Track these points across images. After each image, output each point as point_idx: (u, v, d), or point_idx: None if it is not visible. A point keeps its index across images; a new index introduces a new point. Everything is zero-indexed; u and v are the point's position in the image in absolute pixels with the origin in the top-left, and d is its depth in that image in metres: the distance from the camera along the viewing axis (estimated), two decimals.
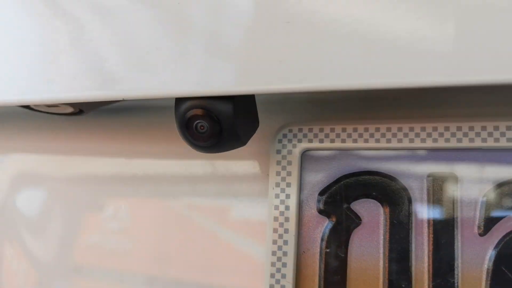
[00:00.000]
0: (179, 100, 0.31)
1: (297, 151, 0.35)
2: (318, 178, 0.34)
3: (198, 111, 0.30)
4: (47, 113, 0.42)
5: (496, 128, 0.31)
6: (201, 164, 0.41)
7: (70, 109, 0.41)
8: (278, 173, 0.35)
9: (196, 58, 0.29)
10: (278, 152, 0.35)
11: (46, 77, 0.33)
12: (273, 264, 0.34)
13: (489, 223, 0.31)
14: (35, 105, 0.40)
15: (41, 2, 0.34)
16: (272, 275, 0.33)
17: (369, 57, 0.26)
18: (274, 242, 0.34)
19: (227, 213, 0.39)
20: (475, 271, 0.30)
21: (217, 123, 0.30)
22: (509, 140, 0.30)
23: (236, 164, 0.40)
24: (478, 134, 0.31)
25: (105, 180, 0.43)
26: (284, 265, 0.33)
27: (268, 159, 0.38)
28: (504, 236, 0.30)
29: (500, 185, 0.31)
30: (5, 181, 0.48)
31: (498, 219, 0.30)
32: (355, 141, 0.34)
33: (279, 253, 0.34)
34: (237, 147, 0.32)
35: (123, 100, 0.32)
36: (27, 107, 0.40)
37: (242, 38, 0.28)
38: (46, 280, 0.44)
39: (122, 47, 0.31)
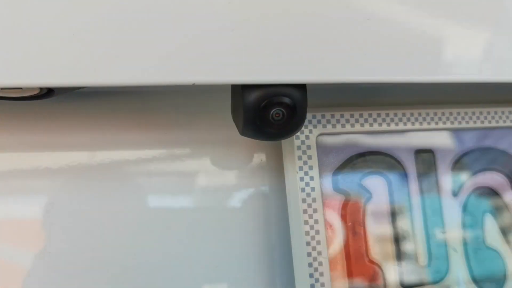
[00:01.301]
0: (248, 88, 0.29)
1: (314, 136, 0.36)
2: (330, 160, 0.37)
3: (278, 99, 0.29)
4: None
5: (458, 113, 0.40)
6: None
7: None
8: (299, 158, 0.36)
9: (277, 45, 0.28)
10: (297, 137, 0.36)
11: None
12: (308, 244, 0.35)
13: (458, 186, 0.39)
14: None
15: None
16: (309, 254, 0.35)
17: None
18: (306, 222, 0.35)
19: None
20: (455, 223, 0.39)
21: (294, 111, 0.29)
22: (467, 122, 0.40)
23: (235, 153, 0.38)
24: (447, 118, 0.39)
25: None
26: (318, 243, 0.35)
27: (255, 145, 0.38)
28: (468, 194, 0.40)
29: (462, 155, 0.40)
30: None
31: (464, 182, 0.40)
32: (362, 125, 0.38)
33: (312, 232, 0.35)
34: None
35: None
36: None
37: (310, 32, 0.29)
38: None
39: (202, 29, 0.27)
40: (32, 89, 0.31)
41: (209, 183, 0.38)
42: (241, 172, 0.38)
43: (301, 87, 0.29)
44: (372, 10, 0.29)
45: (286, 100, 0.29)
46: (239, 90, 0.29)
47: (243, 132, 0.31)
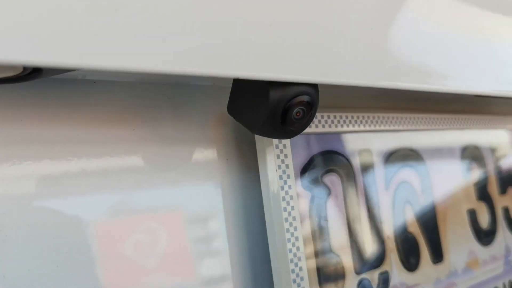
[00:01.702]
0: (275, 85, 0.30)
1: None
2: (298, 158, 0.39)
3: (305, 98, 0.30)
4: None
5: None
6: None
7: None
8: (278, 156, 0.37)
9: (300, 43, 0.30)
10: None
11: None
12: (288, 240, 0.37)
13: (387, 181, 0.46)
14: None
15: None
16: (290, 250, 0.37)
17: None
18: (286, 220, 0.37)
19: None
20: (388, 211, 0.45)
21: (311, 109, 0.31)
22: (395, 124, 0.47)
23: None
24: (381, 121, 0.46)
25: None
26: (297, 239, 0.37)
27: (225, 143, 0.39)
28: (396, 188, 0.46)
29: (390, 153, 0.47)
30: None
31: (391, 178, 0.46)
32: (323, 126, 0.41)
33: (291, 229, 0.37)
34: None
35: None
36: None
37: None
38: None
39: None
40: (14, 68, 0.26)
41: (175, 182, 0.36)
42: (204, 171, 0.37)
43: (315, 86, 0.31)
44: (374, 20, 0.33)
45: (307, 98, 0.30)
46: (262, 88, 0.29)
47: (260, 131, 0.31)
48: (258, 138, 0.37)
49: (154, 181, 0.35)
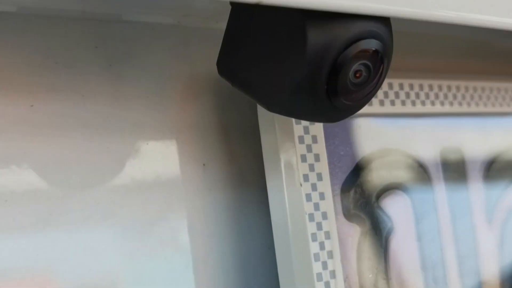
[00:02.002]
0: (317, 21, 0.27)
1: None
2: (334, 163, 0.37)
3: (372, 44, 0.27)
4: None
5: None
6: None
7: None
8: (303, 158, 0.35)
9: None
10: (298, 122, 0.34)
11: None
12: None
13: (489, 208, 0.43)
14: None
15: None
16: None
17: None
18: (319, 277, 0.34)
19: None
20: (492, 259, 0.43)
21: (380, 65, 0.29)
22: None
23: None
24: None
25: None
26: None
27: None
28: (504, 220, 0.44)
29: (493, 159, 0.44)
30: None
31: (495, 203, 0.44)
32: (381, 104, 0.38)
33: None
34: None
35: None
36: None
37: None
38: None
39: None
40: None
41: (99, 209, 0.34)
42: (159, 186, 0.36)
43: (387, 24, 0.28)
44: None
45: (376, 45, 0.28)
46: (292, 25, 0.27)
47: (284, 107, 0.29)
48: (264, 126, 0.35)
49: (56, 207, 0.32)
